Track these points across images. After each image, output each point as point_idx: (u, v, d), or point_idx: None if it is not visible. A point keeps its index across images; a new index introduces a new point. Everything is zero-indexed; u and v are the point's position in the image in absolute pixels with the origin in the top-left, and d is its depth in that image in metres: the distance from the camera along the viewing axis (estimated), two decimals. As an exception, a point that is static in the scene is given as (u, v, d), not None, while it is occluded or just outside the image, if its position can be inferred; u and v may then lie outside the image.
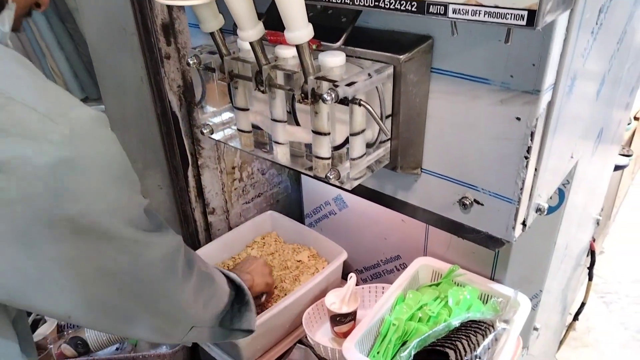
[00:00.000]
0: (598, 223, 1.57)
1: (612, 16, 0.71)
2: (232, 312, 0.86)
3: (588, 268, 1.64)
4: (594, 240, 1.60)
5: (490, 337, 0.89)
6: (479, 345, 0.87)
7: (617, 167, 1.73)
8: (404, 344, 0.93)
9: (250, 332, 0.88)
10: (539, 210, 0.72)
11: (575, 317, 1.81)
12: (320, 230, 1.38)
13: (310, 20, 0.59)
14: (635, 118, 2.01)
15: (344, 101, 0.59)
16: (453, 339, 0.87)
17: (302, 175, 1.42)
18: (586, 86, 0.73)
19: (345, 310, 1.08)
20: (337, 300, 1.10)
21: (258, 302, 1.15)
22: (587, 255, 1.63)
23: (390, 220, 1.18)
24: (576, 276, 1.69)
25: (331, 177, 0.65)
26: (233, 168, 1.37)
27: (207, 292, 0.78)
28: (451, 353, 0.84)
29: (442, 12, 0.52)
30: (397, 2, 0.55)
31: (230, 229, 1.41)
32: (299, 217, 1.49)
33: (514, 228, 0.68)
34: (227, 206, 1.40)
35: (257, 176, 1.45)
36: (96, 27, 1.18)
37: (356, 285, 1.14)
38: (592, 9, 0.62)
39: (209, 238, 1.37)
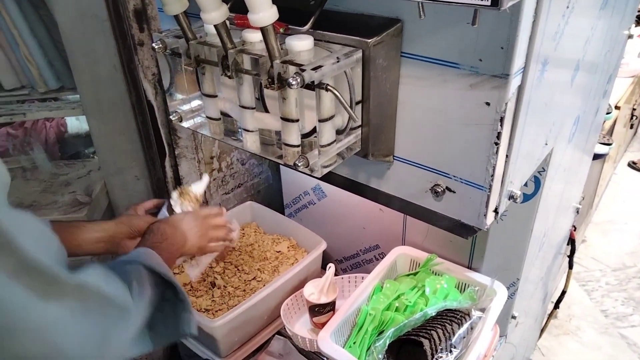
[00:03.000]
0: (578, 212, 1.57)
1: (584, 0, 0.70)
2: (163, 311, 0.67)
3: (568, 256, 1.65)
4: (574, 229, 1.61)
5: (466, 325, 0.89)
6: (454, 334, 0.87)
7: (597, 156, 1.73)
8: (380, 333, 0.93)
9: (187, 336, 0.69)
10: (512, 197, 0.71)
11: (557, 305, 1.83)
12: (300, 221, 1.37)
13: (278, 3, 0.57)
14: (616, 107, 2.02)
15: (311, 86, 0.58)
16: (428, 328, 0.87)
17: (282, 165, 1.41)
18: (559, 71, 0.72)
19: (323, 300, 1.07)
20: (315, 291, 1.09)
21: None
22: (568, 244, 1.63)
23: (368, 209, 1.18)
24: (557, 264, 1.70)
25: (300, 164, 0.63)
26: (211, 158, 1.35)
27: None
28: (425, 342, 0.83)
29: (408, -7, 0.51)
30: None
31: (209, 220, 1.39)
32: (281, 207, 1.47)
33: (485, 215, 0.67)
34: (206, 197, 1.38)
35: (236, 166, 1.43)
36: (68, 14, 1.14)
37: (335, 275, 1.13)
38: (563, -9, 0.61)
39: (188, 229, 1.35)
